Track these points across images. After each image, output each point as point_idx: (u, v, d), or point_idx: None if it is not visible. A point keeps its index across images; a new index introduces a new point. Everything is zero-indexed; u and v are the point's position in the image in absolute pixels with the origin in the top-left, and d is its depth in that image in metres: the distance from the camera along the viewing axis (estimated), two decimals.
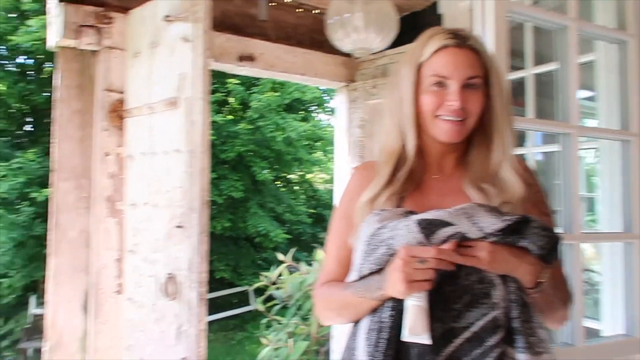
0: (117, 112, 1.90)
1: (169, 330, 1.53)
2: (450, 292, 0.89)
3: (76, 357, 1.84)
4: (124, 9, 1.90)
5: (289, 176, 12.10)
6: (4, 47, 8.51)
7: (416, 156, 1.02)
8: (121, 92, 1.89)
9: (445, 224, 0.90)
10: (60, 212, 1.86)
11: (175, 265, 1.55)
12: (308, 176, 13.28)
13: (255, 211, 9.20)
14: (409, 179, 1.02)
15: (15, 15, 8.33)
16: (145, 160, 1.78)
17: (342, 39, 1.99)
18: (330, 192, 13.89)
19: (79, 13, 1.83)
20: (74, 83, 1.92)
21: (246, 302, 10.25)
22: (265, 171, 9.27)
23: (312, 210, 11.85)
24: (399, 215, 0.94)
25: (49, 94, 8.49)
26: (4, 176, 7.30)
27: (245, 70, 2.27)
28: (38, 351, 8.27)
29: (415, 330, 0.87)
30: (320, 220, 12.65)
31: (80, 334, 1.85)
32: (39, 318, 8.39)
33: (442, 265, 0.86)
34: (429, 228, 0.90)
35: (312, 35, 2.44)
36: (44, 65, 8.84)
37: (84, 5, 1.84)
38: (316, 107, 11.93)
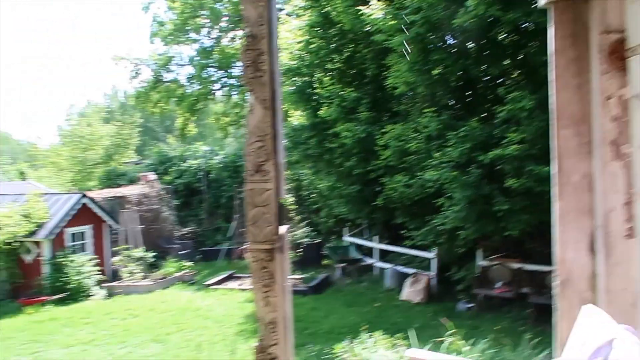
0: (618, 53, 1.85)
1: None
2: None
3: (585, 295, 1.93)
4: None
5: None
6: (441, 33, 9.64)
7: None
8: (621, 32, 1.83)
9: None
10: (562, 158, 1.97)
11: None
12: None
13: None
14: None
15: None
16: None
17: None
18: None
19: None
20: (568, 33, 1.98)
21: None
22: None
23: None
24: None
25: (475, 67, 9.13)
26: (454, 143, 8.40)
27: None
28: (488, 298, 9.22)
29: None
30: None
31: (589, 274, 1.93)
32: (486, 269, 9.33)
33: None
34: None
35: None
36: (479, 41, 9.53)
37: None
38: None
